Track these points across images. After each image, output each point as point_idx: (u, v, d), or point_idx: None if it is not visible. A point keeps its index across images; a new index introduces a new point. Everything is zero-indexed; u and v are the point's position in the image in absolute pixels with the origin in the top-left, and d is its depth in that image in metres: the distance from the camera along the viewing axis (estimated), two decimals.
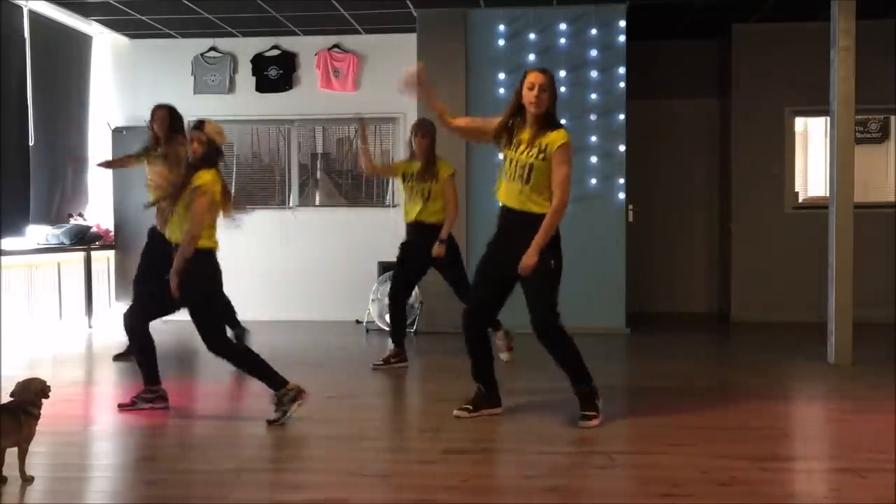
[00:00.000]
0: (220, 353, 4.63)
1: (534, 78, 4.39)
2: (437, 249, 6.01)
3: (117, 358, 6.61)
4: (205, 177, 4.66)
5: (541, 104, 4.38)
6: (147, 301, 4.88)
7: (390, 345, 6.31)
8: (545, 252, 4.40)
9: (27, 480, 3.40)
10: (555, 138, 4.39)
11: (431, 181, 6.14)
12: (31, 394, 3.47)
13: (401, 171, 6.34)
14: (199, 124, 4.77)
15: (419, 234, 6.18)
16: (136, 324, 4.73)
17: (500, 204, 4.64)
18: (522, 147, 4.45)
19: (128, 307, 4.95)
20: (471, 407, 4.58)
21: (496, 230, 4.70)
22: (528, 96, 4.39)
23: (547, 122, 4.43)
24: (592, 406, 4.46)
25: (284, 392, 4.46)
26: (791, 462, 3.90)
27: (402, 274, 6.29)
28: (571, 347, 4.49)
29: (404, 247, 6.32)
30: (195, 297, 4.59)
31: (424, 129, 6.25)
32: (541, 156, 4.39)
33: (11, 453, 3.40)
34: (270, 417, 4.41)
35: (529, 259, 4.35)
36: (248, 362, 4.63)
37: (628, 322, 7.99)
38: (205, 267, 4.66)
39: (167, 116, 6.45)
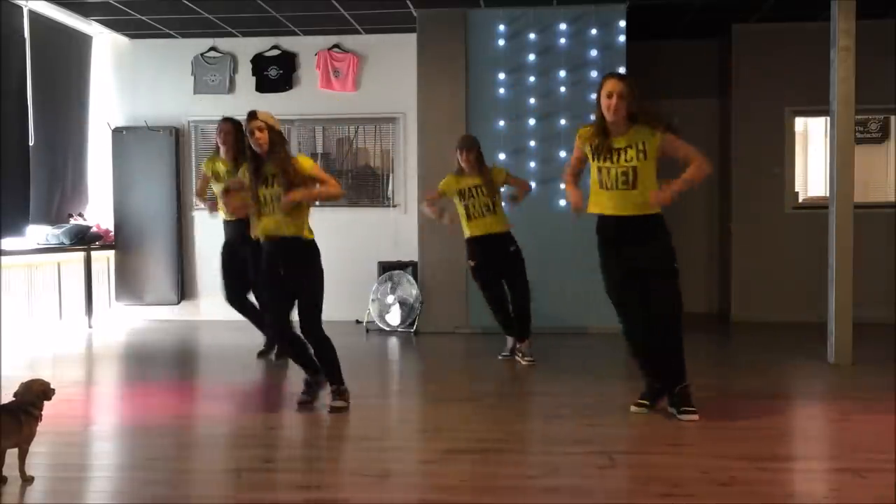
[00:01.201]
0: (314, 335, 4.75)
1: (611, 86, 4.40)
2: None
3: (261, 355, 6.60)
4: (304, 160, 4.80)
5: (618, 111, 4.37)
6: (276, 303, 4.86)
7: (509, 342, 6.47)
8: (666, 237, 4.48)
9: (27, 481, 3.40)
10: (649, 133, 4.41)
11: (493, 193, 6.19)
12: (33, 395, 3.47)
13: (453, 190, 6.28)
14: (253, 115, 4.80)
15: (493, 246, 6.22)
16: (283, 328, 4.84)
17: (605, 215, 4.50)
18: (615, 154, 4.43)
19: (271, 319, 5.05)
20: (648, 402, 4.67)
21: (606, 243, 4.56)
22: (606, 104, 4.40)
23: (633, 121, 4.43)
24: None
25: (344, 388, 4.77)
26: (791, 462, 3.90)
27: (493, 285, 6.38)
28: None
29: (481, 267, 6.31)
30: (313, 283, 4.73)
31: (469, 144, 6.28)
32: (640, 155, 4.40)
33: (12, 454, 3.40)
34: (336, 405, 4.68)
35: (665, 194, 4.37)
36: (330, 351, 4.81)
37: None
38: (317, 256, 4.80)
39: (232, 130, 6.35)
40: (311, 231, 4.84)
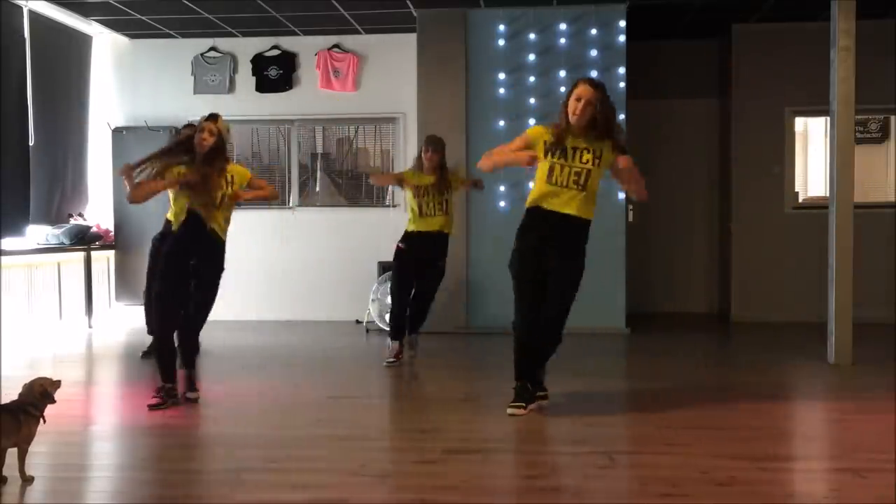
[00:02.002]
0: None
1: (581, 91, 4.52)
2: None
3: None
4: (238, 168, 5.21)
5: (583, 116, 4.49)
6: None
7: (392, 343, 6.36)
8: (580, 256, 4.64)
9: (27, 481, 3.40)
10: (608, 146, 4.56)
11: (448, 193, 6.24)
12: (34, 395, 3.47)
13: (412, 182, 6.29)
14: (213, 116, 4.96)
15: (431, 245, 6.25)
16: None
17: (544, 209, 4.59)
18: (576, 154, 4.55)
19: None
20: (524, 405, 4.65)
21: (531, 233, 4.65)
22: (573, 107, 4.51)
23: (593, 130, 4.54)
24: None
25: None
26: (791, 462, 3.90)
27: (408, 279, 6.39)
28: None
29: (409, 255, 6.29)
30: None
31: (436, 146, 6.31)
32: (596, 161, 4.54)
33: (12, 454, 3.40)
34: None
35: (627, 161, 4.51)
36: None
37: (628, 322, 7.99)
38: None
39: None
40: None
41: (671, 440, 4.10)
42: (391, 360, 6.27)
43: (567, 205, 4.54)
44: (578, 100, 4.50)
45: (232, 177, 5.07)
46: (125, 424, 4.57)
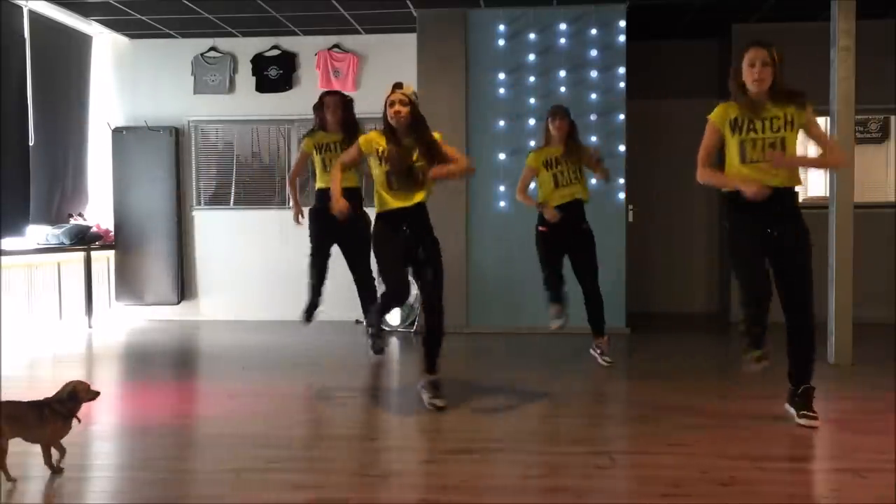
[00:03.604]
0: (441, 309, 5.03)
1: (753, 54, 4.31)
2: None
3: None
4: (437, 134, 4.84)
5: (764, 82, 4.28)
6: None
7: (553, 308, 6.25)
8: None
9: (57, 472, 3.51)
10: (801, 111, 4.32)
11: (579, 162, 6.09)
12: (63, 394, 3.53)
13: (541, 161, 6.12)
14: (399, 85, 4.83)
15: (576, 213, 6.10)
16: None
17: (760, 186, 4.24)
18: (762, 124, 4.30)
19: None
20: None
21: (748, 215, 4.31)
22: (750, 74, 4.29)
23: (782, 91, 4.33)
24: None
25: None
26: (791, 462, 3.90)
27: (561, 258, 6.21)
28: None
29: (557, 230, 6.09)
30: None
31: (563, 113, 6.15)
32: (788, 127, 4.30)
33: (17, 454, 3.42)
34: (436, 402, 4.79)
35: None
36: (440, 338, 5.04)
37: (628, 322, 7.99)
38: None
39: (340, 103, 6.37)
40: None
41: (671, 440, 4.10)
42: (558, 322, 6.20)
43: (772, 179, 4.25)
44: (753, 65, 4.28)
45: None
46: (125, 424, 4.57)
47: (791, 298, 4.38)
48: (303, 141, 6.61)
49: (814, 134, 4.42)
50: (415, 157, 4.76)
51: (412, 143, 4.79)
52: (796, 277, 4.34)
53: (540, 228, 6.19)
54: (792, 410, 4.43)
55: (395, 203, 4.79)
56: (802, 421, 4.34)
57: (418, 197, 4.80)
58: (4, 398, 3.55)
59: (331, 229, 6.12)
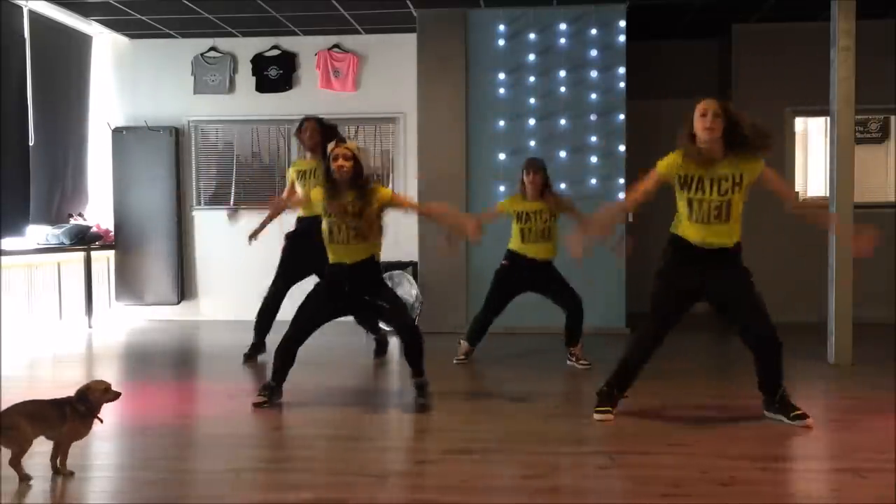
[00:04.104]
0: (412, 325, 4.99)
1: (705, 105, 4.31)
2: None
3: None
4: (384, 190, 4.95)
5: (713, 131, 4.27)
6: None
7: (464, 343, 6.42)
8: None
9: (66, 475, 3.50)
10: (754, 165, 4.35)
11: (552, 219, 6.10)
12: (77, 394, 3.56)
13: (514, 209, 6.18)
14: (342, 140, 4.93)
15: (535, 270, 6.15)
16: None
17: (693, 242, 4.50)
18: (710, 185, 4.39)
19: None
20: (611, 409, 4.56)
21: (681, 266, 4.59)
22: (701, 123, 4.30)
23: (732, 145, 4.32)
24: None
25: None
26: (791, 462, 3.91)
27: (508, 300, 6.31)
28: None
29: (508, 275, 6.24)
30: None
31: (537, 167, 6.14)
32: (736, 189, 4.34)
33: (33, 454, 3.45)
34: (423, 401, 4.83)
35: None
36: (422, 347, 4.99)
37: (628, 322, 7.99)
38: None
39: (317, 128, 6.36)
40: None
41: (671, 440, 4.10)
42: (461, 357, 6.36)
43: (720, 236, 4.46)
44: (704, 114, 4.29)
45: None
46: (125, 424, 4.57)
47: (745, 316, 4.50)
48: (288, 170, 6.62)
49: (773, 188, 4.50)
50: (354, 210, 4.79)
51: (353, 196, 4.82)
52: (743, 299, 4.47)
53: (503, 262, 6.28)
54: (780, 417, 4.46)
55: (336, 257, 4.91)
56: (798, 423, 4.36)
57: (361, 254, 4.86)
58: (5, 398, 3.55)
59: (307, 260, 6.18)
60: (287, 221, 6.81)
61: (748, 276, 4.49)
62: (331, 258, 4.91)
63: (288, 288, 6.55)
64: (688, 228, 4.49)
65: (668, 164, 4.53)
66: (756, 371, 4.60)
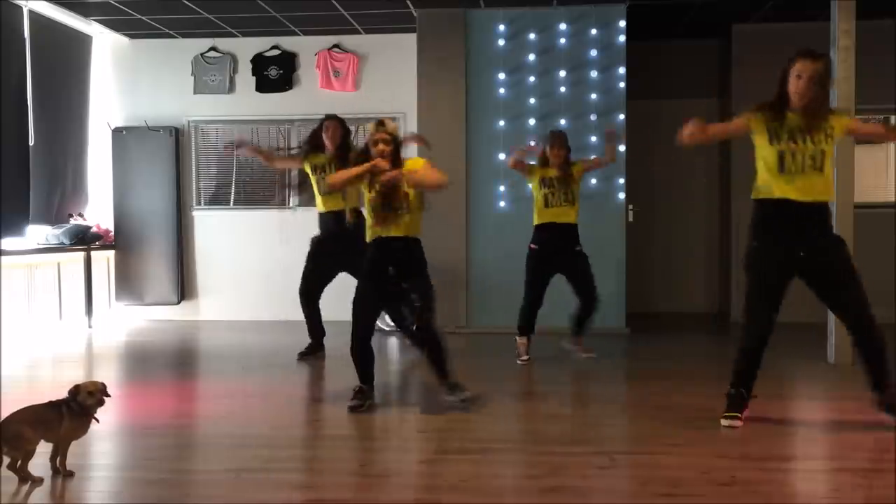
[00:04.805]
0: (428, 330, 4.82)
1: (801, 67, 4.19)
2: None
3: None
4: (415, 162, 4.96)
5: (806, 96, 4.18)
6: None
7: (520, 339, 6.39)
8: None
9: (66, 475, 3.50)
10: (840, 116, 4.30)
11: (573, 184, 6.24)
12: (70, 394, 3.57)
13: (538, 175, 6.29)
14: (381, 123, 4.91)
15: (563, 236, 6.24)
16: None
17: (786, 199, 4.27)
18: (804, 136, 4.23)
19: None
20: (739, 415, 4.33)
21: (777, 230, 4.36)
22: (796, 86, 4.21)
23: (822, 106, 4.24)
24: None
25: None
26: (791, 462, 3.90)
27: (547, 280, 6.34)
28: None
29: (538, 257, 6.28)
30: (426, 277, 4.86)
31: (561, 142, 6.31)
32: (828, 139, 4.23)
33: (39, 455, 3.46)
34: (463, 397, 4.73)
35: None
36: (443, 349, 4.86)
37: (628, 322, 7.99)
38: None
39: (339, 127, 6.48)
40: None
41: (671, 440, 4.10)
42: (525, 357, 6.33)
43: (813, 191, 4.24)
44: (800, 77, 4.18)
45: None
46: (125, 424, 4.57)
47: (841, 303, 4.44)
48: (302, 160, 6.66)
49: (864, 132, 4.64)
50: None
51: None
52: (842, 279, 4.33)
53: (531, 246, 6.31)
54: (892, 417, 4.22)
55: (376, 233, 4.89)
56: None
57: (402, 230, 4.84)
58: (5, 398, 3.56)
59: (333, 259, 6.38)
60: (292, 222, 6.82)
61: (846, 245, 4.36)
62: (372, 235, 4.90)
63: (320, 288, 6.62)
64: (779, 184, 4.29)
65: (756, 115, 4.44)
66: (861, 363, 4.40)
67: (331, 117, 6.56)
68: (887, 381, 4.29)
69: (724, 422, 4.29)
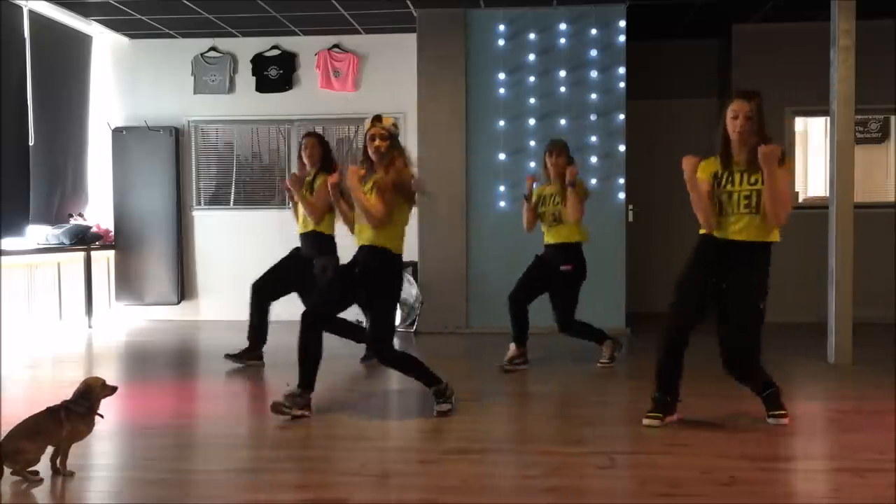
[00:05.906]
0: (385, 360, 4.78)
1: (737, 107, 4.30)
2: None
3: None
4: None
5: (744, 133, 4.29)
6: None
7: (512, 346, 6.22)
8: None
9: (66, 475, 3.50)
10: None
11: (562, 203, 5.98)
12: (76, 393, 3.58)
13: (538, 195, 6.13)
14: (378, 118, 4.89)
15: (556, 256, 6.06)
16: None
17: (721, 238, 4.47)
18: (740, 177, 4.40)
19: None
20: (661, 416, 4.41)
21: (705, 261, 4.56)
22: (733, 126, 4.31)
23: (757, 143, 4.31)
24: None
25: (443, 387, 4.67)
26: (791, 462, 3.90)
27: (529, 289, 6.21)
28: None
29: (537, 265, 6.18)
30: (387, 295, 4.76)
31: (560, 148, 6.08)
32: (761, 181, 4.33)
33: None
34: (444, 409, 4.61)
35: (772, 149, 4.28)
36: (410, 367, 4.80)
37: (628, 322, 7.99)
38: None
39: (317, 144, 6.35)
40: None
41: (671, 440, 4.10)
42: (518, 362, 6.15)
43: (748, 232, 4.47)
44: (735, 117, 4.30)
45: None
46: (125, 424, 4.57)
47: (728, 321, 4.52)
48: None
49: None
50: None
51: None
52: (737, 303, 4.50)
53: (538, 254, 6.24)
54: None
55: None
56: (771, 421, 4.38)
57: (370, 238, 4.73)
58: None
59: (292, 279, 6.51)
60: (292, 222, 6.83)
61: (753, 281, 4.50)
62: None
63: (274, 295, 6.63)
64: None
65: (706, 174, 4.53)
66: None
67: (309, 135, 6.43)
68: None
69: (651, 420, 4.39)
